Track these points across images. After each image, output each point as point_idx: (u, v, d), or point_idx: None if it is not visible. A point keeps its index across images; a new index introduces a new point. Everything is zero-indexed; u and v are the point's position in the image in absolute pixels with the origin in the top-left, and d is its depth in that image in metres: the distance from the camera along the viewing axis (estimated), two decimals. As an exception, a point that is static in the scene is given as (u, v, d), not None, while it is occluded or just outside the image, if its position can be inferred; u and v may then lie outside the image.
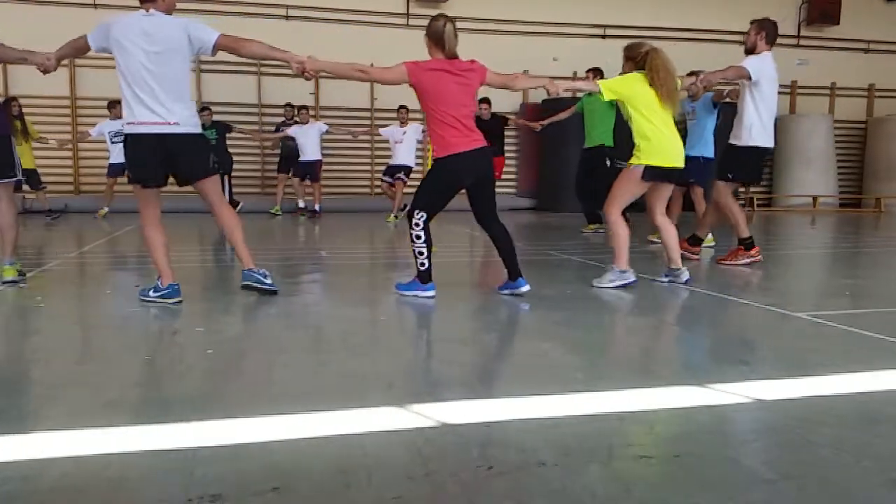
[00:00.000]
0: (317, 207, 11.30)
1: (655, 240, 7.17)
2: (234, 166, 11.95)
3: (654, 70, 4.22)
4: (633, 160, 4.37)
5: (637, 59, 4.31)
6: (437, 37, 3.91)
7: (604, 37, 14.55)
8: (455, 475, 1.68)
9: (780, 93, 16.87)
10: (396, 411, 2.13)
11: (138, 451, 1.82)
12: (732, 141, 5.46)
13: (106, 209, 10.71)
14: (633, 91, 4.30)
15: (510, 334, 3.56)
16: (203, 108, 10.78)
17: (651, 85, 4.25)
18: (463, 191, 4.09)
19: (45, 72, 3.91)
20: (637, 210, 7.03)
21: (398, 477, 1.68)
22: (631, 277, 4.40)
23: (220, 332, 3.37)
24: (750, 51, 5.37)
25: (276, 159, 12.01)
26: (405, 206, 10.78)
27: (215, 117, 11.08)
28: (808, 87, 15.61)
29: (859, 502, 1.58)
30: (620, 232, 4.42)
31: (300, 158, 11.04)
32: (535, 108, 12.75)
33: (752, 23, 5.44)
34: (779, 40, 14.55)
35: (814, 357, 2.88)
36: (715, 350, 3.10)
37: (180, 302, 3.83)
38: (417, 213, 4.01)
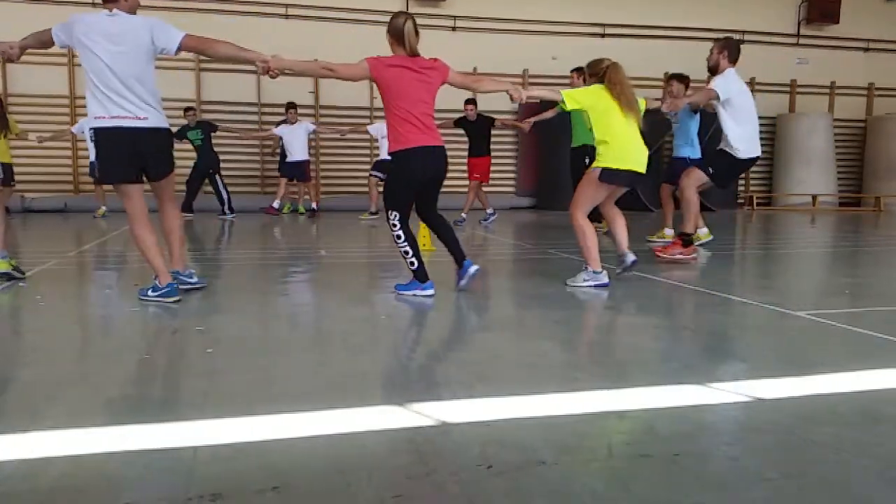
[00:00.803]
0: (314, 206, 11.26)
1: (654, 239, 7.21)
2: (235, 166, 11.95)
3: (613, 83, 4.44)
4: (594, 163, 4.53)
5: (600, 73, 4.52)
6: (398, 34, 3.94)
7: (603, 35, 14.54)
8: (455, 474, 1.68)
9: (779, 92, 16.72)
10: (396, 410, 2.13)
11: (138, 451, 1.81)
12: (723, 147, 5.56)
13: (104, 208, 10.68)
14: (594, 101, 4.48)
15: (510, 333, 3.55)
16: (188, 108, 10.74)
17: (612, 95, 4.43)
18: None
19: (9, 60, 3.95)
20: (638, 209, 7.04)
21: (398, 476, 1.68)
22: (604, 279, 4.44)
23: (220, 332, 3.37)
24: (713, 69, 5.54)
25: (277, 158, 12.01)
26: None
27: (215, 117, 11.07)
28: (808, 85, 15.61)
29: (859, 501, 1.58)
30: (588, 234, 4.50)
31: (287, 159, 10.98)
32: (533, 107, 12.73)
33: (715, 42, 5.62)
34: (778, 39, 14.74)
35: (814, 356, 2.88)
36: (715, 349, 3.10)
37: (179, 301, 3.84)
38: (391, 214, 4.09)
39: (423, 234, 6.52)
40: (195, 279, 4.22)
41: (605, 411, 2.14)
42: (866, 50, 15.93)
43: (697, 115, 6.93)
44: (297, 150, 10.88)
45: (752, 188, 15.61)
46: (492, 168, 10.15)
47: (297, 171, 11.00)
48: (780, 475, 1.69)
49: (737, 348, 3.10)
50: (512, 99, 4.40)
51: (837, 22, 15.35)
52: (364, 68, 3.92)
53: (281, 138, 11.11)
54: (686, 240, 5.58)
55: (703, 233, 6.92)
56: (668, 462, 1.76)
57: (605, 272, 4.45)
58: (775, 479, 1.67)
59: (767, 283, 5.16)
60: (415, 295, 4.09)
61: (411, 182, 4.06)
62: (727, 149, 5.49)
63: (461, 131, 9.84)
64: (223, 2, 12.71)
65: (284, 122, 11.29)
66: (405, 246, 4.05)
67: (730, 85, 5.39)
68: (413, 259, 4.06)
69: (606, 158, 4.45)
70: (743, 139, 5.41)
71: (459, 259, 4.26)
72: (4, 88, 12.10)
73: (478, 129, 9.72)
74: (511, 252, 6.81)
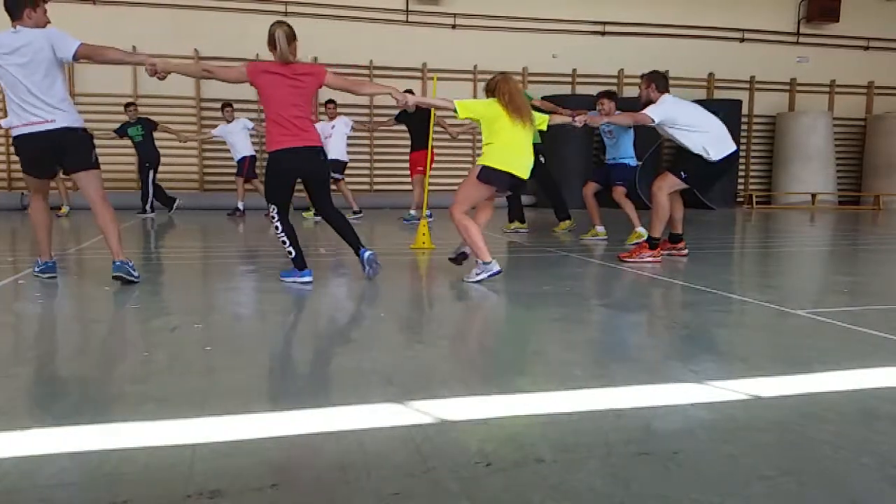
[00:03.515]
0: (239, 205, 10.91)
1: (632, 242, 7.23)
2: (232, 163, 11.84)
3: (502, 93, 4.57)
4: (478, 161, 4.65)
5: (493, 88, 4.64)
6: (271, 42, 4.19)
7: (603, 33, 14.54)
8: (453, 471, 1.68)
9: (779, 90, 16.70)
10: (395, 408, 2.13)
11: (137, 448, 1.82)
12: (695, 152, 5.59)
13: (67, 207, 10.56)
14: (485, 111, 4.60)
15: (509, 331, 3.56)
16: (128, 104, 10.74)
17: (503, 107, 4.55)
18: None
19: None
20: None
21: (397, 473, 1.68)
22: (496, 268, 4.51)
23: (219, 329, 3.37)
24: (645, 104, 5.66)
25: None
26: (359, 210, 10.76)
27: (215, 114, 11.06)
28: (808, 84, 15.61)
29: (858, 498, 1.58)
30: (471, 228, 4.57)
31: (234, 158, 10.90)
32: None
33: (641, 77, 5.81)
34: (778, 37, 14.81)
35: (813, 354, 2.88)
36: (714, 347, 3.10)
37: (55, 278, 4.46)
38: (270, 207, 4.36)
39: (423, 231, 6.53)
40: (136, 273, 4.40)
41: (604, 409, 2.14)
42: (866, 48, 15.92)
43: (631, 130, 7.15)
44: (240, 148, 10.76)
45: (751, 186, 15.61)
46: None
47: (240, 168, 10.84)
48: (778, 473, 1.69)
49: (736, 346, 3.10)
50: (397, 103, 4.56)
51: (837, 20, 15.35)
52: (241, 72, 4.23)
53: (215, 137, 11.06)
54: (654, 243, 5.58)
55: (601, 230, 7.35)
56: (667, 460, 1.76)
57: (494, 261, 4.52)
58: (774, 476, 1.67)
59: (767, 282, 5.16)
60: (294, 282, 4.36)
61: (282, 179, 4.36)
62: (698, 154, 5.55)
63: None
64: (222, 0, 12.71)
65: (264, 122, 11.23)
66: (283, 236, 4.34)
67: (665, 108, 5.52)
68: (290, 248, 4.34)
69: (489, 158, 4.55)
70: (709, 143, 5.48)
71: (356, 248, 4.53)
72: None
73: (418, 121, 9.25)
74: (509, 250, 6.81)
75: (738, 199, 15.23)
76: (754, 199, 14.95)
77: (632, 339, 3.31)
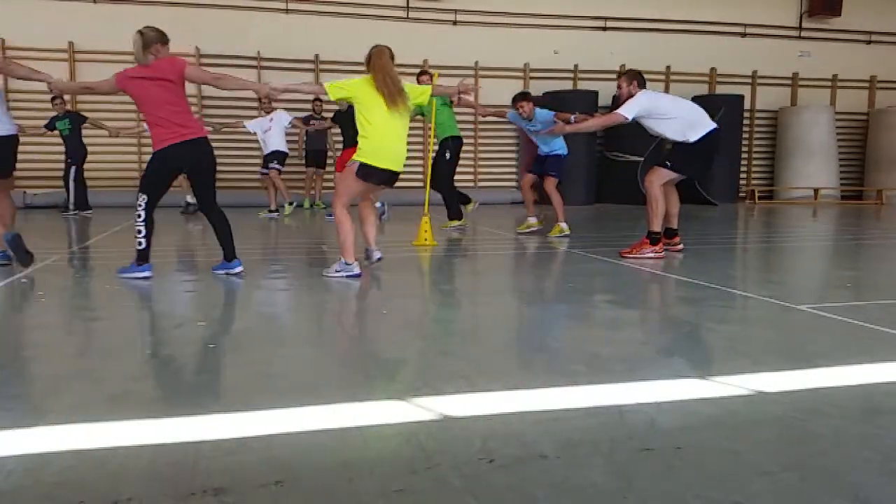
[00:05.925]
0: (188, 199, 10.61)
1: (522, 230, 7.52)
2: (234, 162, 11.86)
3: (375, 71, 4.35)
4: (354, 156, 4.52)
5: (368, 61, 4.42)
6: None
7: (605, 29, 14.49)
8: (457, 468, 1.69)
9: (781, 85, 16.59)
10: (398, 404, 2.13)
11: (141, 445, 1.82)
12: (675, 141, 5.64)
13: None
14: (356, 92, 4.40)
15: (511, 328, 3.56)
16: (54, 98, 10.64)
17: (375, 86, 4.34)
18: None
19: None
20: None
21: (400, 470, 1.68)
22: (356, 270, 4.50)
23: (222, 326, 3.38)
24: (626, 101, 5.68)
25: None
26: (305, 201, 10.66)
27: (217, 113, 11.04)
28: (810, 78, 15.55)
29: (860, 493, 1.58)
30: (345, 226, 4.51)
31: None
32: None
33: (620, 76, 5.85)
34: (780, 32, 14.82)
35: (815, 349, 2.89)
36: (716, 342, 3.10)
37: (8, 265, 4.78)
38: (140, 196, 4.43)
39: (425, 228, 6.53)
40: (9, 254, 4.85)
41: (607, 405, 2.14)
42: (868, 42, 15.87)
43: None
44: None
45: (753, 182, 15.58)
46: (492, 162, 9.92)
47: None
48: (781, 468, 1.70)
49: (738, 342, 3.10)
50: (258, 95, 4.60)
51: (839, 14, 15.29)
52: (112, 83, 4.38)
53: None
54: (654, 238, 5.58)
55: (564, 227, 7.31)
56: (670, 456, 1.76)
57: (356, 263, 4.52)
58: (776, 472, 1.68)
59: (769, 277, 5.15)
60: (134, 277, 4.42)
61: (165, 173, 4.48)
62: (679, 140, 5.59)
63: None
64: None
65: (312, 117, 11.28)
66: (141, 226, 4.40)
67: (639, 102, 5.55)
68: (143, 240, 4.41)
69: (364, 154, 4.43)
70: (687, 127, 5.52)
71: (229, 256, 4.62)
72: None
73: (351, 119, 9.26)
74: (511, 247, 6.82)
75: (741, 195, 15.20)
76: (756, 195, 14.92)
77: (634, 335, 3.31)
